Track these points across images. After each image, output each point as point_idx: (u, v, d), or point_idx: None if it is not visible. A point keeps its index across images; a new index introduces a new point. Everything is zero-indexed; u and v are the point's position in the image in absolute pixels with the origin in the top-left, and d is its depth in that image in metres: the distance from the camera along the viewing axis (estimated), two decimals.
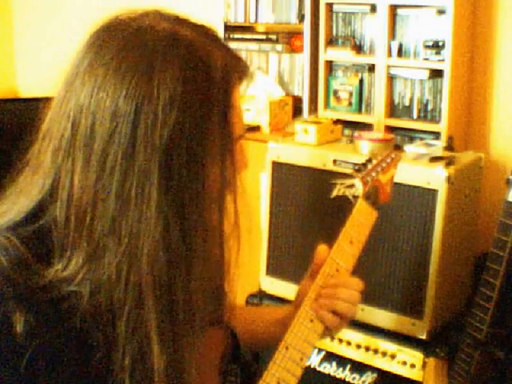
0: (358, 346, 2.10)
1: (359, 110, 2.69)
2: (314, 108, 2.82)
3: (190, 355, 0.90)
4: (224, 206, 0.91)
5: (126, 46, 0.85)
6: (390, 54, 2.53)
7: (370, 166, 1.26)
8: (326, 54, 2.71)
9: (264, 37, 3.08)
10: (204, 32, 0.91)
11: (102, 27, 0.90)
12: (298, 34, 2.93)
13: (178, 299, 0.86)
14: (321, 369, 2.18)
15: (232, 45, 3.04)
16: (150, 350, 0.86)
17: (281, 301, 2.27)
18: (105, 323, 0.86)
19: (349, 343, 2.12)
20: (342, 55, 2.68)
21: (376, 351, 2.07)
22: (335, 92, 2.71)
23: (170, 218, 0.84)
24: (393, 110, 2.59)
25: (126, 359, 0.86)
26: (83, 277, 0.85)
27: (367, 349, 2.08)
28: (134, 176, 0.83)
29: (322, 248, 1.14)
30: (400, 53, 2.54)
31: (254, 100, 2.91)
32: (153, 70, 0.84)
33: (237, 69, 0.92)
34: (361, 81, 2.66)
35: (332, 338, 2.11)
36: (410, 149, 2.14)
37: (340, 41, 2.69)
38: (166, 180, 0.84)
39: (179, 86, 0.84)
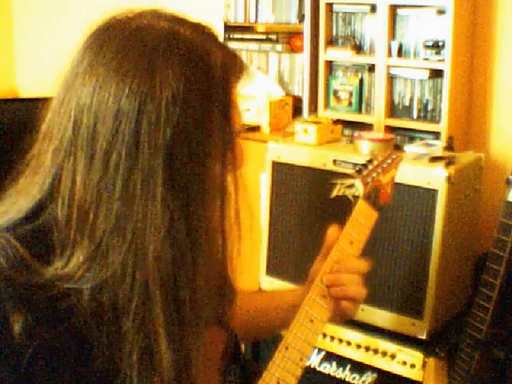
0: (358, 346, 2.10)
1: (359, 110, 2.69)
2: (314, 108, 2.82)
3: (196, 350, 0.90)
4: (226, 202, 0.92)
5: (126, 46, 0.86)
6: (390, 54, 2.53)
7: (370, 167, 1.26)
8: (326, 54, 2.71)
9: (264, 37, 3.09)
10: (201, 30, 0.92)
11: (100, 27, 0.90)
12: (298, 33, 2.93)
13: (184, 294, 0.87)
14: (321, 369, 2.18)
15: (232, 45, 3.04)
16: (157, 346, 0.86)
17: None
18: (108, 321, 0.86)
19: (349, 343, 2.12)
20: (342, 55, 2.68)
21: (376, 351, 2.07)
22: (335, 92, 2.71)
23: (175, 213, 0.85)
24: (393, 110, 2.59)
25: (134, 356, 0.86)
26: (83, 274, 0.85)
27: (367, 349, 2.08)
28: (138, 174, 0.84)
29: (333, 229, 1.16)
30: (400, 53, 2.54)
31: (254, 100, 2.90)
32: (154, 69, 0.84)
33: (235, 66, 0.93)
34: (361, 81, 2.66)
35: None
36: (410, 149, 2.14)
37: (340, 41, 2.69)
38: (170, 177, 0.84)
39: (181, 84, 0.84)
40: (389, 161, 1.29)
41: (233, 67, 0.92)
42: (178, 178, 0.85)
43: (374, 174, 1.24)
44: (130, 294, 0.85)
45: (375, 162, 1.27)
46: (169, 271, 0.85)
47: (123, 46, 0.86)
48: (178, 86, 0.84)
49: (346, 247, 1.14)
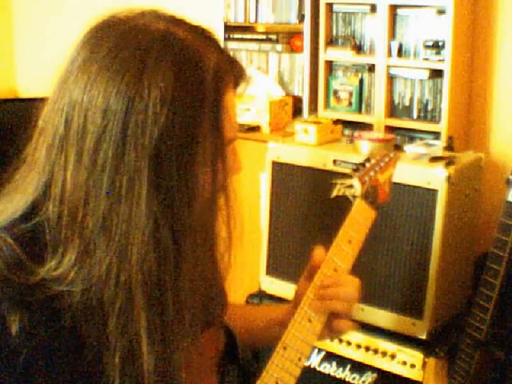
0: (358, 346, 2.10)
1: (359, 110, 2.69)
2: (314, 108, 2.82)
3: (180, 355, 0.89)
4: (216, 209, 0.91)
5: (120, 44, 0.86)
6: (390, 54, 2.53)
7: (368, 166, 1.26)
8: (326, 54, 2.71)
9: (264, 37, 3.08)
10: (200, 33, 0.91)
11: (98, 25, 0.90)
12: (298, 33, 2.93)
13: (167, 298, 0.86)
14: (321, 369, 2.18)
15: (232, 45, 3.05)
16: (139, 349, 0.86)
17: (281, 301, 2.27)
18: (96, 322, 0.86)
19: (349, 343, 2.12)
20: (342, 55, 2.68)
21: (376, 351, 2.07)
22: (335, 92, 2.71)
23: (160, 217, 0.84)
24: (393, 110, 2.59)
25: (116, 357, 0.86)
26: (75, 275, 0.85)
27: (367, 349, 2.08)
28: (124, 174, 0.83)
29: (318, 249, 1.14)
30: (400, 53, 2.54)
31: (254, 100, 2.90)
32: (145, 69, 0.84)
33: (231, 72, 0.92)
34: (361, 81, 2.66)
35: (332, 339, 2.11)
36: (410, 149, 2.14)
37: (340, 41, 2.69)
38: (156, 179, 0.83)
39: (170, 85, 0.84)
40: (386, 160, 1.29)
41: (228, 73, 0.91)
42: (164, 181, 0.84)
43: (372, 173, 1.24)
44: (114, 295, 0.84)
45: (372, 161, 1.27)
46: (152, 274, 0.84)
47: (117, 44, 0.86)
48: (166, 88, 0.83)
49: (344, 246, 1.14)
